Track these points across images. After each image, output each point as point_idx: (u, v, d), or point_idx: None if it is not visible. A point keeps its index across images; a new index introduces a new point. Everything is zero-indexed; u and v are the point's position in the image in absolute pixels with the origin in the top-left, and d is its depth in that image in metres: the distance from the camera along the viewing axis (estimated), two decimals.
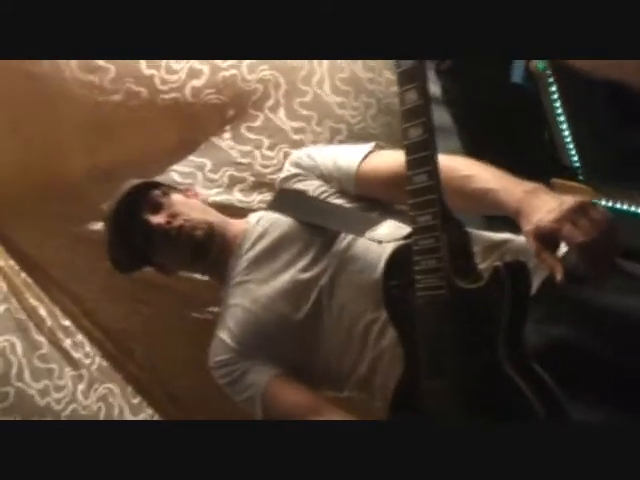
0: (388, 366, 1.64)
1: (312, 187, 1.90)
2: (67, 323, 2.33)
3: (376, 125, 2.50)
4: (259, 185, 2.33)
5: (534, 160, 2.26)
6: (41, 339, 2.22)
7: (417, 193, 1.42)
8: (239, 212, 2.18)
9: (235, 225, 1.97)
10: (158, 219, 1.89)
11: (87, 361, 2.32)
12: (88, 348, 2.34)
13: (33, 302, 2.25)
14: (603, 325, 1.52)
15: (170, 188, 2.02)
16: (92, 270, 2.30)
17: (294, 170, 1.95)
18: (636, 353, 1.49)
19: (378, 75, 2.53)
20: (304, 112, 2.40)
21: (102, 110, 2.24)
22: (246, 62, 2.34)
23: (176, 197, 1.97)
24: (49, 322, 2.26)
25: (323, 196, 1.88)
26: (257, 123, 2.38)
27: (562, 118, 2.37)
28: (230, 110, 2.37)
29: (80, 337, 2.34)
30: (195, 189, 2.23)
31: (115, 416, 2.30)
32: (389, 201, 1.87)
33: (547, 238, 1.41)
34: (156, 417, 2.40)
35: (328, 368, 1.80)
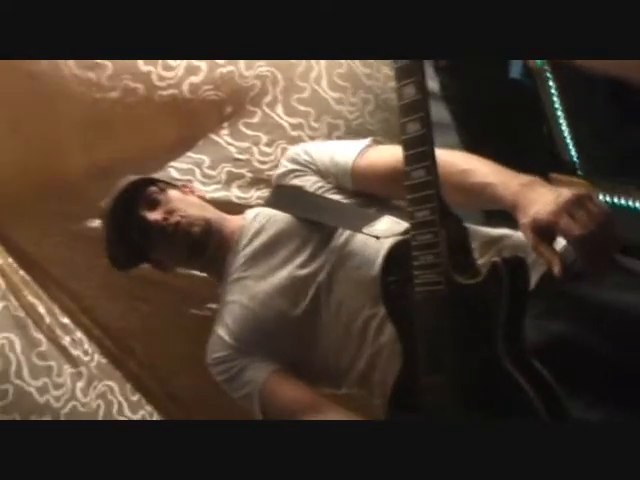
0: (387, 362, 1.64)
1: (309, 183, 1.90)
2: (66, 320, 2.32)
3: (374, 121, 2.50)
4: (257, 181, 2.33)
5: (532, 155, 2.26)
6: (40, 336, 2.22)
7: (415, 188, 1.42)
8: (237, 208, 2.17)
9: (232, 221, 1.97)
10: (155, 215, 1.88)
11: (86, 358, 2.31)
12: (87, 345, 2.34)
13: (32, 300, 2.24)
14: (602, 321, 1.52)
15: (167, 184, 2.02)
16: (91, 267, 2.30)
17: (291, 166, 1.95)
18: (635, 349, 1.49)
19: (376, 71, 2.53)
20: (302, 108, 2.40)
21: (100, 107, 2.24)
22: None
23: (173, 193, 1.96)
24: (48, 319, 2.26)
25: (320, 192, 1.88)
26: (255, 119, 2.38)
27: (560, 113, 2.37)
28: (228, 106, 2.37)
29: (79, 334, 2.34)
30: (192, 185, 2.23)
31: (114, 414, 2.30)
32: (386, 196, 1.87)
33: (544, 231, 1.40)
34: (155, 414, 2.39)
35: (326, 364, 1.79)
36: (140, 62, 2.23)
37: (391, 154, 1.73)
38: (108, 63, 2.21)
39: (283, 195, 1.93)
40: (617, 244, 1.44)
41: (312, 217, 1.82)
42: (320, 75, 2.42)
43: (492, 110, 2.43)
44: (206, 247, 1.90)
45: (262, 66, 2.37)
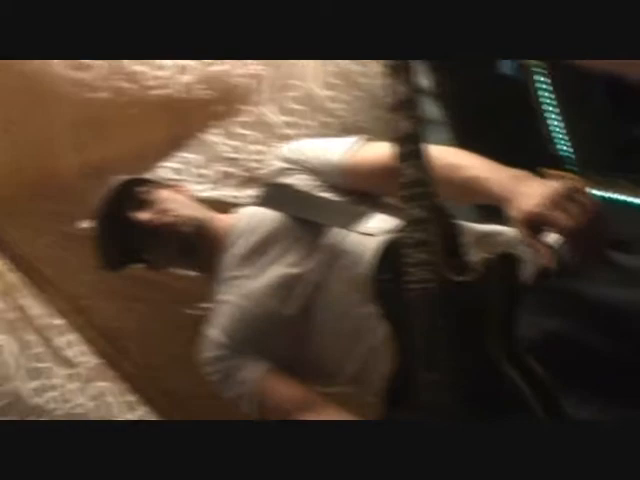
0: (380, 360, 1.62)
1: (300, 181, 1.89)
2: (60, 322, 2.32)
3: (367, 118, 2.50)
4: (250, 180, 2.33)
5: (524, 151, 2.25)
6: (33, 338, 2.21)
7: (408, 186, 1.42)
8: (230, 207, 2.17)
9: (224, 220, 1.96)
10: (146, 216, 1.88)
11: (81, 359, 2.31)
12: (82, 347, 2.34)
13: (24, 301, 2.24)
14: (595, 317, 1.51)
15: (157, 184, 2.01)
16: (84, 268, 2.29)
17: (282, 164, 1.94)
18: (627, 345, 1.48)
19: (368, 68, 2.53)
20: (295, 106, 2.40)
21: (92, 107, 2.24)
22: None
23: (164, 193, 1.95)
24: (41, 321, 2.26)
25: (311, 190, 1.87)
26: (247, 118, 2.38)
27: (552, 108, 2.37)
28: (220, 105, 2.37)
29: (73, 336, 2.34)
30: (183, 185, 2.22)
31: (110, 414, 2.30)
32: (378, 193, 1.86)
33: (535, 224, 1.40)
34: (151, 415, 2.39)
35: (320, 363, 1.79)
36: (131, 62, 2.23)
37: (381, 150, 1.72)
38: (100, 63, 2.21)
39: (274, 194, 1.92)
40: (609, 237, 1.43)
41: (303, 215, 1.81)
42: (313, 73, 2.42)
43: (484, 106, 2.44)
44: (197, 247, 1.89)
45: (254, 65, 2.37)
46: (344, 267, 1.73)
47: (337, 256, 1.75)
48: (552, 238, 1.44)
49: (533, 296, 1.46)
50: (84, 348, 2.34)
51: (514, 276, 1.40)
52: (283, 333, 1.78)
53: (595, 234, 1.39)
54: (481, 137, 2.27)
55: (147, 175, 2.16)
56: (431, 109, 2.51)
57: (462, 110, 2.57)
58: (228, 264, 1.88)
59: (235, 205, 2.22)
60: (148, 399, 2.40)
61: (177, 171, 2.33)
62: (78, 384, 2.27)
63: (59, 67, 2.17)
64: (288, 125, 2.38)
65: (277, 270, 1.79)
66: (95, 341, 2.38)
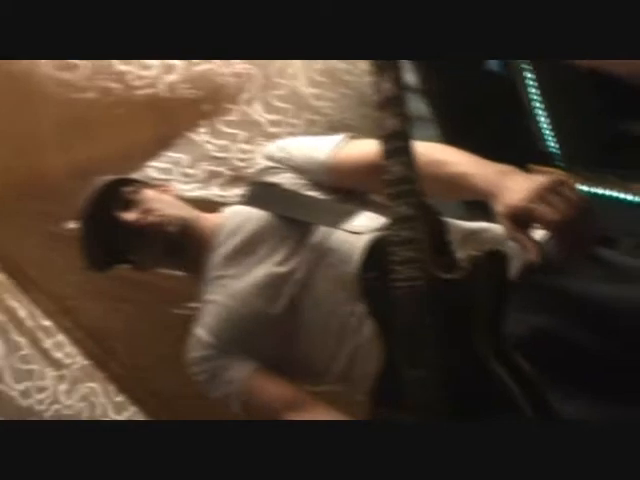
0: (367, 358, 1.62)
1: (285, 180, 1.88)
2: (47, 323, 2.31)
3: (353, 116, 2.50)
4: (237, 179, 2.33)
5: (512, 147, 2.25)
6: (21, 340, 2.21)
7: (394, 183, 1.41)
8: (217, 207, 2.15)
9: (209, 220, 1.95)
10: (131, 216, 1.87)
11: (68, 361, 2.31)
12: (69, 348, 2.33)
13: (12, 303, 2.24)
14: (581, 314, 1.52)
15: (142, 184, 2.00)
16: (71, 269, 2.28)
17: (267, 163, 1.93)
18: (613, 341, 1.49)
19: (354, 66, 2.53)
20: (280, 105, 2.40)
21: (78, 107, 2.24)
22: None
23: (149, 193, 1.94)
24: (29, 323, 2.25)
25: (297, 188, 1.86)
26: (233, 117, 2.38)
27: (539, 105, 2.38)
28: (206, 104, 2.37)
29: (61, 337, 2.33)
30: (168, 184, 2.21)
31: (98, 415, 2.30)
32: (364, 190, 1.86)
33: (520, 218, 1.39)
34: (139, 415, 2.39)
35: (307, 361, 1.78)
36: (117, 62, 2.23)
37: (367, 148, 1.72)
38: (85, 63, 2.20)
39: (260, 192, 1.91)
40: (595, 232, 1.43)
41: (290, 214, 1.80)
42: (298, 71, 2.42)
43: (471, 103, 2.44)
44: (183, 246, 1.89)
45: (239, 64, 2.36)
46: (331, 265, 1.73)
47: (323, 255, 1.74)
48: (538, 234, 1.44)
49: (520, 293, 1.45)
50: (72, 349, 2.34)
51: (501, 273, 1.40)
52: (270, 332, 1.77)
53: (582, 228, 1.39)
54: (468, 134, 2.26)
55: (134, 175, 2.16)
56: (418, 106, 2.51)
57: (449, 107, 2.57)
58: (214, 264, 1.87)
59: (222, 204, 2.21)
60: (136, 399, 2.40)
61: (164, 171, 2.33)
62: (67, 385, 2.26)
63: (45, 67, 2.17)
64: (274, 123, 2.38)
65: (263, 269, 1.79)
66: (83, 342, 2.37)
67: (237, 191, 2.29)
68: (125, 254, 1.96)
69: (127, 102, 2.26)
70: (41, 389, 2.19)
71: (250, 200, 1.92)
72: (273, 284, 1.77)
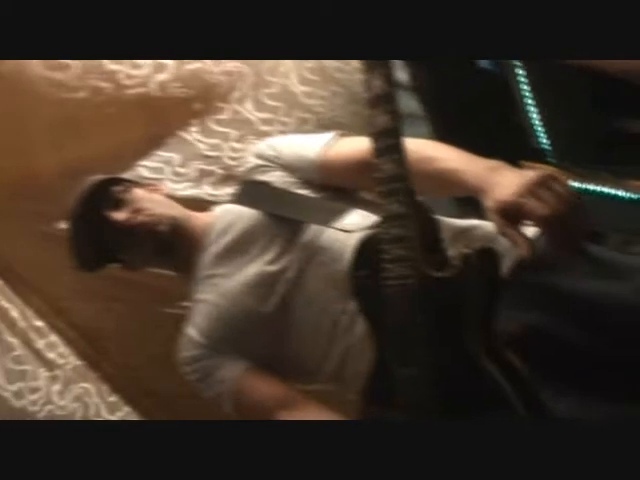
0: (359, 357, 1.62)
1: (276, 178, 1.88)
2: (40, 323, 2.31)
3: (345, 114, 2.50)
4: (228, 178, 2.32)
5: (503, 144, 2.25)
6: (14, 341, 2.20)
7: (385, 181, 1.41)
8: (209, 206, 2.15)
9: (200, 219, 1.95)
10: (121, 215, 1.86)
11: (62, 361, 2.30)
12: (62, 348, 2.33)
13: (4, 304, 2.23)
14: (572, 310, 1.52)
15: (132, 183, 2.00)
16: (63, 269, 2.26)
17: (257, 161, 1.93)
18: (604, 337, 1.49)
19: (345, 63, 2.52)
20: (271, 103, 2.40)
21: (69, 107, 2.23)
22: None
23: (139, 192, 1.94)
24: (21, 323, 2.24)
25: (288, 187, 1.86)
26: (224, 116, 2.38)
27: (531, 102, 2.38)
28: (197, 103, 2.37)
29: (54, 337, 2.33)
30: (160, 183, 2.21)
31: (92, 416, 2.29)
32: (354, 188, 1.86)
33: (511, 213, 1.39)
34: (133, 415, 2.39)
35: (299, 360, 1.78)
36: (107, 61, 2.22)
37: (357, 145, 1.72)
38: (76, 63, 2.20)
39: (250, 191, 1.91)
40: (586, 226, 1.43)
41: (280, 213, 1.80)
42: (289, 69, 2.42)
43: (462, 100, 2.44)
44: (174, 246, 1.88)
45: (230, 62, 2.36)
46: (322, 264, 1.73)
47: (314, 253, 1.74)
48: (529, 231, 1.44)
49: (511, 290, 1.45)
50: (65, 350, 2.33)
51: (492, 271, 1.39)
52: (261, 331, 1.77)
53: (572, 223, 1.38)
54: (460, 131, 2.27)
55: (125, 174, 2.15)
56: (409, 103, 2.50)
57: (441, 104, 2.57)
58: (205, 263, 1.86)
59: (214, 203, 2.21)
60: (130, 399, 2.40)
61: (155, 170, 2.32)
62: (60, 386, 2.26)
63: (36, 67, 2.16)
64: (265, 122, 2.38)
65: (254, 268, 1.78)
66: (76, 342, 2.37)
67: (229, 190, 2.28)
68: (115, 254, 1.95)
69: (118, 101, 2.26)
70: (34, 390, 2.19)
71: (240, 199, 1.91)
72: (264, 283, 1.76)
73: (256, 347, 1.78)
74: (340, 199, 1.83)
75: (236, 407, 1.77)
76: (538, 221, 1.37)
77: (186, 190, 2.30)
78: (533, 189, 1.37)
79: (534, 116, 2.39)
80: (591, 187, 2.27)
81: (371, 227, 1.52)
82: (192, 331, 1.83)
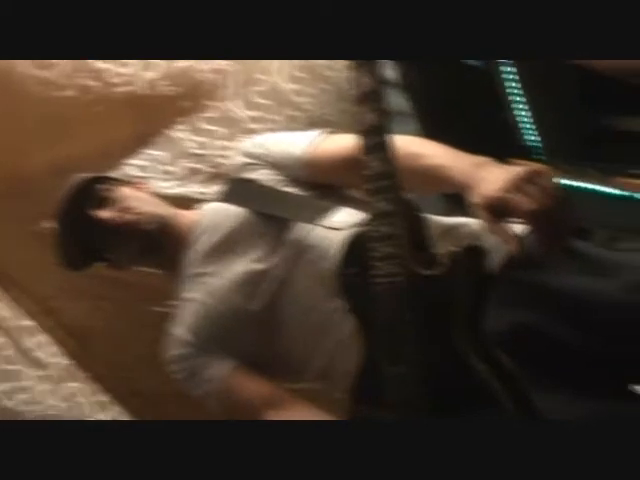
0: (347, 356, 1.62)
1: (263, 176, 1.87)
2: (29, 323, 2.30)
3: (334, 111, 2.49)
4: (217, 176, 2.32)
5: (493, 141, 2.26)
6: (3, 340, 2.20)
7: (373, 179, 1.41)
8: (197, 204, 2.16)
9: (187, 217, 1.95)
10: (107, 214, 1.86)
11: (51, 361, 2.30)
12: (52, 348, 2.32)
13: None
14: (560, 307, 1.52)
15: (119, 181, 2.00)
16: (52, 268, 2.27)
17: (244, 159, 1.93)
18: (593, 335, 1.49)
19: (334, 61, 2.52)
20: (261, 101, 2.40)
21: (57, 105, 2.23)
22: None
23: (125, 191, 1.94)
24: (11, 323, 2.24)
25: (275, 185, 1.86)
26: (213, 114, 2.37)
27: (519, 98, 2.38)
28: (185, 101, 2.36)
29: (43, 337, 2.32)
30: (147, 182, 2.20)
31: (82, 415, 2.29)
32: (341, 185, 1.86)
33: (497, 209, 1.38)
34: (122, 415, 2.38)
35: (287, 359, 1.78)
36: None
37: (343, 142, 1.72)
38: (64, 61, 2.19)
39: (238, 189, 1.90)
40: (573, 222, 1.42)
41: (268, 211, 1.80)
42: (278, 67, 2.42)
43: (450, 97, 2.44)
44: (161, 244, 1.88)
45: (219, 60, 2.36)
46: (310, 262, 1.72)
47: (302, 251, 1.74)
48: (517, 229, 1.44)
49: (499, 288, 1.45)
50: (54, 349, 2.33)
51: (480, 269, 1.39)
52: (249, 330, 1.77)
53: (559, 218, 1.37)
54: (448, 128, 2.26)
55: (114, 173, 2.15)
56: (397, 101, 2.51)
57: (429, 101, 2.57)
58: (192, 261, 1.86)
59: (202, 201, 2.20)
60: (119, 399, 2.39)
61: (143, 168, 2.32)
62: (49, 385, 2.25)
63: (23, 66, 2.16)
64: (254, 120, 2.37)
65: (242, 266, 1.78)
66: (65, 342, 2.36)
67: (217, 188, 2.28)
68: (101, 252, 1.95)
69: (106, 100, 2.26)
70: (24, 389, 2.18)
71: (228, 197, 1.91)
72: (252, 281, 1.76)
73: (244, 345, 1.78)
74: (328, 197, 1.83)
75: (223, 406, 1.77)
76: (524, 216, 1.37)
77: (175, 188, 2.30)
78: (519, 184, 1.36)
79: (522, 113, 2.40)
80: (578, 183, 2.28)
81: (359, 225, 1.52)
82: (179, 329, 1.82)
